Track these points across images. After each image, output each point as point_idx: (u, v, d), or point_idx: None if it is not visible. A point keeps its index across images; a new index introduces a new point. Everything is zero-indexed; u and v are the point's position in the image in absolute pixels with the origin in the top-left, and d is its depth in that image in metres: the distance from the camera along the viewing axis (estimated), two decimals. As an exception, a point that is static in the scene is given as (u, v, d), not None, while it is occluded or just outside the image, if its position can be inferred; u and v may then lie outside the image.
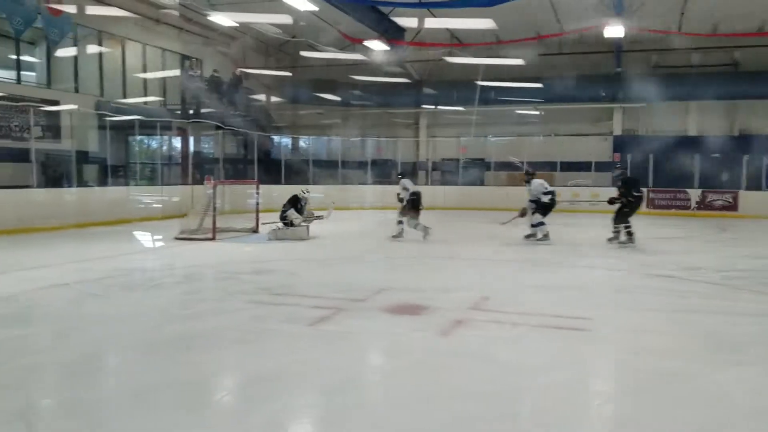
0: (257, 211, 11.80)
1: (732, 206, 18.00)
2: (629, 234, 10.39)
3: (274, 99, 22.46)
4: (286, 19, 14.36)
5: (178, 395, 3.43)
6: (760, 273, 7.73)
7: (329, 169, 20.97)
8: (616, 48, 18.34)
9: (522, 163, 20.76)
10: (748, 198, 17.87)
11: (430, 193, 21.22)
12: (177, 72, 18.51)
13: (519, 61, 18.15)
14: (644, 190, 18.75)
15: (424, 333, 4.72)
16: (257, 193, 11.91)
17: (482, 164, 22.13)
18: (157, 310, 5.56)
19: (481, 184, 21.74)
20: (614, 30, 15.23)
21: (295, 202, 11.11)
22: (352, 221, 14.14)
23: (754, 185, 18.19)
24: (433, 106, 22.46)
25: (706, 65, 19.59)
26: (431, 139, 23.63)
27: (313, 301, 5.84)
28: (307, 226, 11.09)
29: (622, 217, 10.55)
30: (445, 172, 22.50)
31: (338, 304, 5.61)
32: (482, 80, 19.51)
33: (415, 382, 3.68)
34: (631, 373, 4.02)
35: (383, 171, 21.98)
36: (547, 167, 20.74)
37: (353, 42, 17.90)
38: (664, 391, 3.56)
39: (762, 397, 3.48)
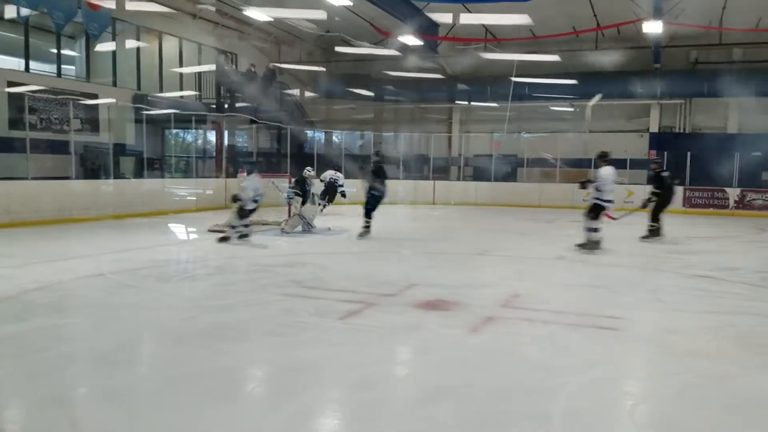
0: (289, 205, 11.91)
1: (774, 206, 17.49)
2: (652, 230, 10.56)
3: (307, 93, 22.59)
4: (320, 15, 14.40)
5: (210, 384, 3.50)
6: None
7: (362, 163, 21.03)
8: (654, 44, 17.91)
9: (555, 159, 20.52)
10: (794, 197, 17.33)
11: (462, 188, 21.22)
12: (212, 66, 18.76)
13: (554, 57, 17.89)
14: (679, 187, 18.57)
15: (454, 329, 4.71)
16: (290, 187, 12.02)
17: (515, 160, 21.91)
18: (190, 300, 5.66)
19: (514, 180, 21.53)
20: (652, 26, 14.89)
21: (303, 183, 11.27)
22: (383, 216, 14.11)
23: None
24: (466, 102, 22.33)
25: (748, 61, 19.02)
26: (464, 134, 23.50)
27: (344, 295, 5.88)
28: (316, 211, 11.34)
29: (654, 213, 10.71)
30: (478, 168, 22.35)
31: (368, 299, 5.63)
32: (516, 76, 19.28)
33: (443, 379, 3.68)
34: (664, 374, 3.96)
35: (416, 166, 21.94)
36: (582, 164, 20.46)
37: (387, 36, 17.88)
38: (698, 393, 3.50)
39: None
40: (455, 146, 23.67)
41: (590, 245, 9.06)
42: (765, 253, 9.90)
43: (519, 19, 14.15)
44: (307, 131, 22.32)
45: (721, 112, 20.02)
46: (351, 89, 21.95)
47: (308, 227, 11.18)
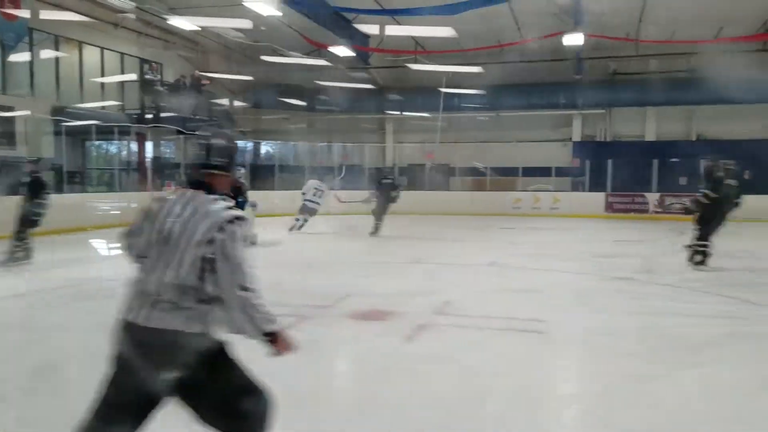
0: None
1: (690, 209, 18.46)
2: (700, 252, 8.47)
3: (237, 103, 22.22)
4: (246, 24, 14.20)
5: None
6: (716, 275, 7.92)
7: (295, 174, 20.83)
8: (575, 56, 18.69)
9: (486, 168, 21.03)
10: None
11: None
12: (136, 76, 18.16)
13: (480, 69, 18.37)
14: (602, 194, 19.37)
15: (389, 338, 4.70)
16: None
17: (448, 170, 22.28)
18: (113, 320, 5.39)
19: (447, 189, 21.88)
20: (573, 38, 15.54)
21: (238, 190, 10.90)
22: (316, 226, 14.04)
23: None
24: (398, 112, 22.52)
25: (664, 71, 20.12)
26: (397, 144, 23.72)
27: (276, 309, 5.72)
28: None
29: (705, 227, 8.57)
30: (412, 177, 22.57)
31: (302, 312, 5.54)
32: (446, 87, 19.67)
33: (380, 389, 3.65)
34: (591, 375, 4.09)
35: (350, 176, 21.93)
36: (510, 173, 21.05)
37: (318, 47, 17.86)
38: (624, 392, 3.61)
39: (719, 398, 3.56)
40: (389, 156, 23.85)
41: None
42: (684, 255, 10.39)
43: (444, 32, 14.43)
44: (238, 142, 21.94)
45: (640, 120, 21.06)
46: (283, 99, 21.76)
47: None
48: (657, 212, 18.82)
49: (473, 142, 21.96)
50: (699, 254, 8.36)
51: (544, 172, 20.78)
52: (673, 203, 18.81)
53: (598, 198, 19.39)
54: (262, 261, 8.98)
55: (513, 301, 6.28)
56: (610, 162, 19.80)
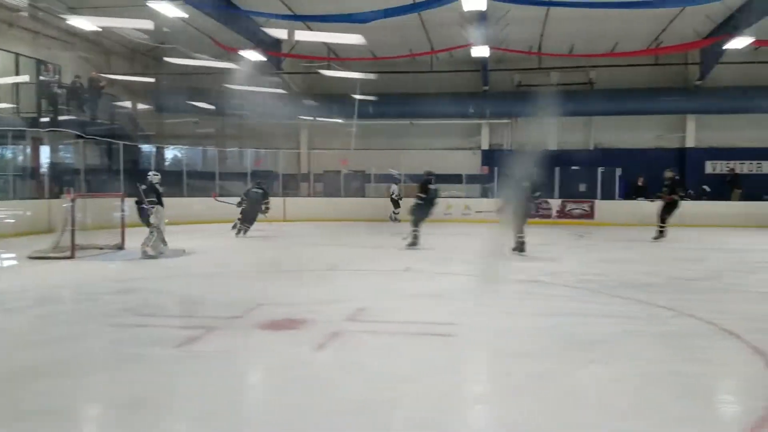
0: (123, 226, 11.12)
1: (589, 214, 19.57)
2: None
3: (141, 106, 21.33)
4: (148, 25, 13.73)
5: (32, 429, 3.13)
6: (611, 276, 8.43)
7: (205, 180, 20.26)
8: (482, 67, 19.38)
9: (400, 175, 21.33)
10: (602, 207, 19.51)
11: (313, 205, 21.23)
12: (28, 78, 17.05)
13: (388, 77, 18.72)
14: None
15: (300, 347, 4.66)
16: (123, 208, 11.23)
17: (363, 176, 22.42)
18: (7, 336, 5.05)
19: (363, 195, 22.01)
20: (480, 50, 16.14)
21: (155, 190, 10.34)
22: (228, 234, 13.72)
23: (608, 195, 19.92)
24: (311, 118, 22.42)
25: (565, 84, 21.24)
26: (312, 151, 23.62)
27: (182, 320, 5.60)
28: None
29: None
30: (328, 183, 22.54)
31: (210, 323, 5.40)
32: (360, 94, 19.83)
33: (290, 399, 3.61)
34: (497, 375, 4.24)
35: (265, 183, 21.59)
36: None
37: (228, 51, 17.51)
38: (528, 391, 3.77)
39: (611, 393, 3.79)
40: (304, 162, 23.70)
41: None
42: (583, 258, 10.98)
43: (356, 39, 14.60)
44: (143, 146, 21.06)
45: (543, 130, 22.09)
46: (192, 103, 21.13)
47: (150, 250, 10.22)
48: (559, 217, 19.79)
49: (388, 150, 22.25)
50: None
51: (455, 179, 21.34)
52: (573, 209, 19.86)
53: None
54: (171, 271, 8.70)
55: (425, 305, 6.40)
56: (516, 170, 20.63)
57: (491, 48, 16.46)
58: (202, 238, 13.16)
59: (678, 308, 6.13)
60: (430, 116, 21.58)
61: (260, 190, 14.12)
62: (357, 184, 22.26)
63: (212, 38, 17.32)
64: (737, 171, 20.36)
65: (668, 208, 13.24)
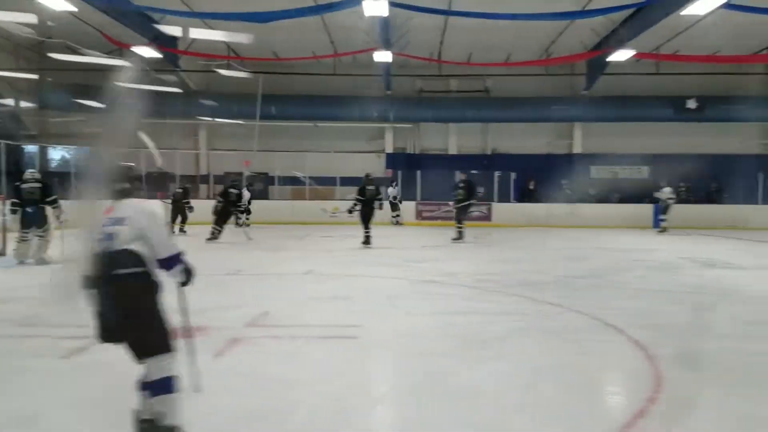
0: (4, 231, 10.30)
1: (486, 217, 20.33)
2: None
3: (24, 104, 19.83)
4: (31, 19, 12.79)
5: None
6: (507, 276, 8.82)
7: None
8: (385, 72, 19.67)
9: (305, 177, 21.20)
10: (499, 209, 20.35)
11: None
12: None
13: (291, 78, 18.58)
14: (413, 202, 20.54)
15: (198, 356, 4.50)
16: (3, 212, 10.39)
17: (267, 178, 22.06)
18: None
19: (266, 197, 21.65)
20: (382, 55, 16.37)
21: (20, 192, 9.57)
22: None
23: (504, 198, 20.81)
24: (210, 118, 21.76)
25: (463, 91, 21.98)
26: (212, 151, 22.93)
27: (68, 330, 5.24)
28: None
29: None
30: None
31: (100, 332, 5.11)
32: (263, 95, 19.50)
33: (187, 408, 3.49)
34: (399, 375, 4.32)
35: (160, 184, 20.70)
36: (329, 182, 21.48)
37: (120, 47, 16.67)
38: (428, 389, 3.87)
39: (507, 389, 3.97)
40: (203, 163, 22.96)
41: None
42: (480, 258, 11.38)
43: (241, 38, 14.32)
44: (26, 146, 19.59)
45: (443, 135, 22.74)
46: (81, 101, 19.89)
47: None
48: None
49: (292, 151, 22.03)
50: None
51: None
52: (473, 211, 20.56)
53: (410, 206, 20.55)
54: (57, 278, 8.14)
55: (328, 308, 6.41)
56: (419, 173, 21.12)
57: (394, 53, 16.75)
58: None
59: (565, 305, 6.51)
60: (334, 119, 21.62)
61: (236, 190, 14.43)
62: (260, 186, 21.84)
63: (103, 33, 16.42)
64: (620, 176, 21.94)
65: (463, 210, 14.06)
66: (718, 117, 20.74)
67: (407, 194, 20.99)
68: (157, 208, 3.07)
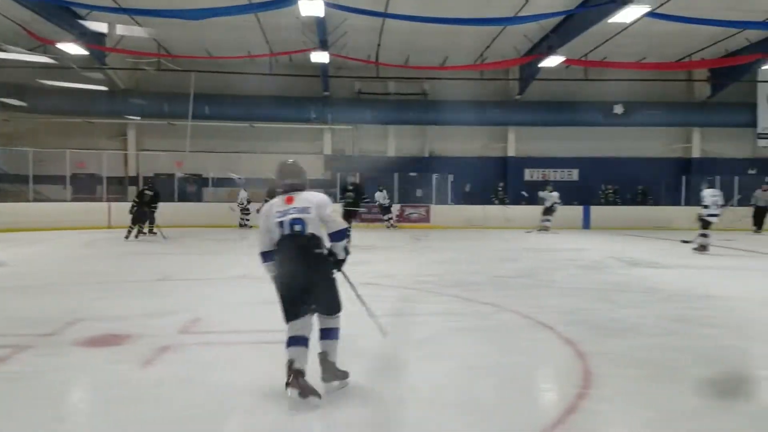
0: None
1: (425, 218, 20.55)
2: None
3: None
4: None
5: None
6: (443, 276, 8.91)
7: (19, 184, 18.21)
8: (322, 73, 19.57)
9: (241, 178, 20.78)
10: (437, 211, 20.60)
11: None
12: None
13: (226, 77, 18.23)
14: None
15: (124, 365, 4.32)
16: None
17: (200, 180, 21.53)
18: None
19: (200, 200, 21.12)
20: (319, 56, 16.28)
21: None
22: (47, 243, 12.42)
23: (443, 200, 21.09)
24: (139, 118, 21.03)
25: (401, 93, 22.13)
26: (141, 152, 22.17)
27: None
28: None
29: None
30: (160, 187, 21.27)
31: (20, 342, 4.83)
32: (195, 94, 19.04)
33: (111, 420, 3.34)
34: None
35: (86, 186, 19.87)
36: (265, 184, 21.14)
37: (44, 43, 15.89)
38: (363, 391, 3.84)
39: (440, 388, 3.98)
40: (132, 165, 22.16)
41: None
42: (419, 260, 11.48)
43: (142, 32, 13.99)
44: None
45: (382, 137, 22.81)
46: (1, 99, 18.86)
47: None
48: (398, 221, 20.55)
49: (227, 152, 21.59)
50: None
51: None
52: (411, 213, 20.73)
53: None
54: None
55: (263, 313, 6.24)
56: (358, 175, 21.09)
57: (331, 54, 16.68)
58: (16, 247, 11.79)
59: (499, 304, 6.63)
60: (270, 119, 21.31)
61: (151, 192, 14.38)
62: (193, 187, 21.31)
63: (25, 28, 15.60)
64: (549, 179, 22.62)
65: (351, 214, 14.21)
66: (644, 122, 21.75)
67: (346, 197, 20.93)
68: (325, 196, 4.04)
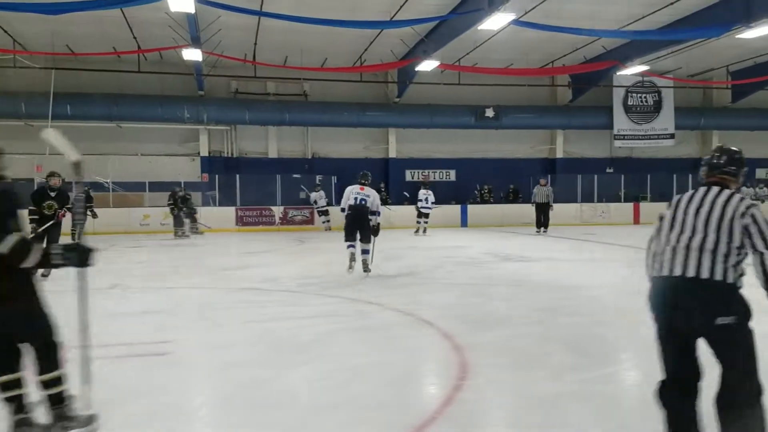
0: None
1: (309, 220, 20.42)
2: None
3: None
4: None
5: None
6: (328, 278, 8.89)
7: None
8: (196, 71, 18.84)
9: (108, 183, 19.51)
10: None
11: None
12: None
13: (90, 75, 17.08)
14: (233, 208, 19.96)
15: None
16: None
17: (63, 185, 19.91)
18: None
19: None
20: (192, 53, 15.66)
21: None
22: None
23: (335, 202, 20.99)
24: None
25: (281, 94, 21.81)
26: (-7, 155, 20.14)
27: None
28: None
29: None
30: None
31: None
32: (56, 92, 17.61)
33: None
34: (211, 388, 4.11)
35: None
36: (137, 188, 20.02)
37: None
38: (242, 401, 3.73)
39: (320, 391, 3.96)
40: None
41: None
42: (303, 262, 11.37)
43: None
44: None
45: (263, 138, 22.35)
46: None
47: None
48: (282, 224, 20.28)
49: (93, 155, 20.18)
50: None
51: (172, 186, 20.38)
52: (295, 215, 20.53)
53: (229, 212, 19.91)
54: None
55: (135, 324, 5.92)
56: (238, 177, 20.57)
57: (204, 52, 16.10)
58: None
59: (382, 303, 6.73)
60: (139, 119, 20.16)
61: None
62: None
63: None
64: (431, 179, 23.33)
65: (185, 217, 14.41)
66: (513, 124, 23.02)
67: (226, 199, 20.35)
68: (376, 193, 8.80)
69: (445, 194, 21.71)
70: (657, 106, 23.57)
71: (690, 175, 23.26)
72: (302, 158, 22.63)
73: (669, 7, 15.22)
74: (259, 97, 21.55)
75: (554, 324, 5.84)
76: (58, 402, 3.07)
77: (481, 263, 10.60)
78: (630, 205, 22.89)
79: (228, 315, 6.30)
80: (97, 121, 19.78)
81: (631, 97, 23.46)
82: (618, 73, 20.78)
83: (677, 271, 2.53)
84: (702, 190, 2.69)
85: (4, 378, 2.99)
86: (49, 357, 3.09)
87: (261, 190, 20.52)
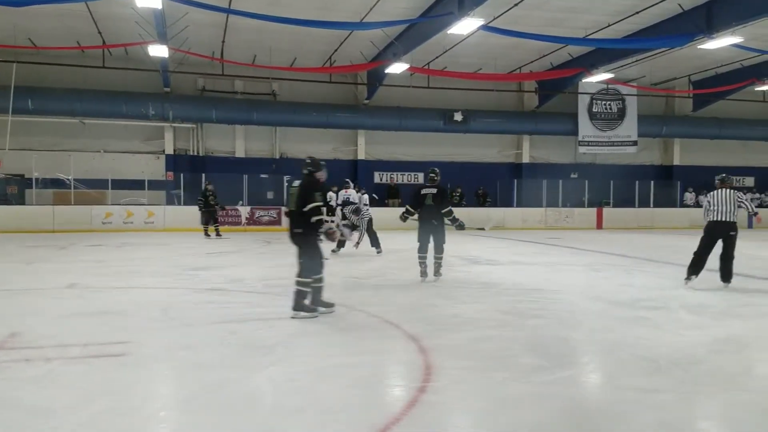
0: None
1: (276, 221, 20.25)
2: None
3: None
4: None
5: None
6: (293, 279, 8.78)
7: None
8: (162, 68, 18.53)
9: (69, 180, 19.05)
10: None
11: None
12: None
13: (52, 69, 16.66)
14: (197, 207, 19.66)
15: None
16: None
17: (22, 181, 19.42)
18: None
19: (22, 202, 19.05)
20: (158, 49, 15.41)
21: None
22: None
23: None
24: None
25: (249, 93, 21.61)
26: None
27: None
28: None
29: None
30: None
31: None
32: (16, 86, 17.11)
33: None
34: (173, 390, 4.05)
35: None
36: (99, 185, 19.59)
37: None
38: (205, 402, 3.67)
39: (285, 393, 3.92)
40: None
41: None
42: (269, 263, 11.27)
43: None
44: None
45: (230, 137, 22.10)
46: None
47: None
48: (249, 224, 20.07)
49: (54, 151, 19.71)
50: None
51: (136, 184, 20.02)
52: (262, 216, 20.34)
53: (194, 211, 19.59)
54: None
55: (93, 325, 5.77)
56: (204, 176, 20.28)
57: (170, 48, 15.84)
58: None
59: (350, 305, 6.70)
60: (104, 115, 19.75)
61: None
62: (14, 189, 19.17)
63: None
64: (397, 182, 23.39)
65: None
66: (481, 129, 23.25)
67: (191, 199, 20.04)
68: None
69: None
70: (621, 114, 24.10)
71: (652, 182, 23.84)
72: (270, 158, 22.46)
73: (634, 16, 15.58)
74: (226, 96, 21.34)
75: (519, 326, 5.90)
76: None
77: (449, 266, 10.62)
78: (593, 210, 23.34)
79: (192, 316, 6.19)
80: (59, 117, 19.35)
81: (596, 104, 23.94)
82: (583, 81, 21.18)
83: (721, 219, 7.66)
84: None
85: None
86: None
87: (229, 190, 20.27)
